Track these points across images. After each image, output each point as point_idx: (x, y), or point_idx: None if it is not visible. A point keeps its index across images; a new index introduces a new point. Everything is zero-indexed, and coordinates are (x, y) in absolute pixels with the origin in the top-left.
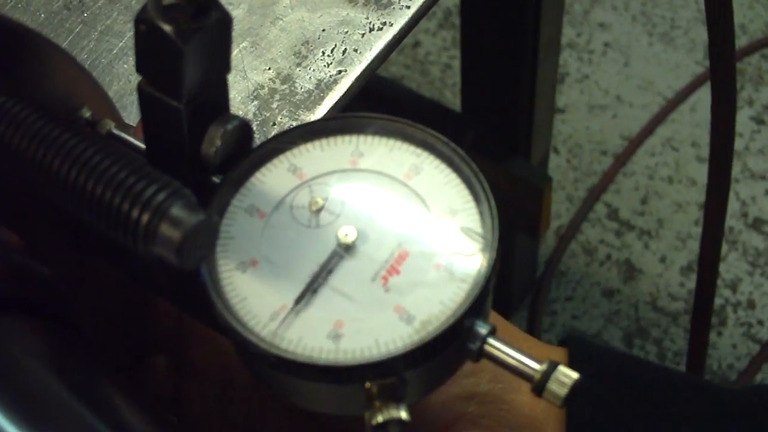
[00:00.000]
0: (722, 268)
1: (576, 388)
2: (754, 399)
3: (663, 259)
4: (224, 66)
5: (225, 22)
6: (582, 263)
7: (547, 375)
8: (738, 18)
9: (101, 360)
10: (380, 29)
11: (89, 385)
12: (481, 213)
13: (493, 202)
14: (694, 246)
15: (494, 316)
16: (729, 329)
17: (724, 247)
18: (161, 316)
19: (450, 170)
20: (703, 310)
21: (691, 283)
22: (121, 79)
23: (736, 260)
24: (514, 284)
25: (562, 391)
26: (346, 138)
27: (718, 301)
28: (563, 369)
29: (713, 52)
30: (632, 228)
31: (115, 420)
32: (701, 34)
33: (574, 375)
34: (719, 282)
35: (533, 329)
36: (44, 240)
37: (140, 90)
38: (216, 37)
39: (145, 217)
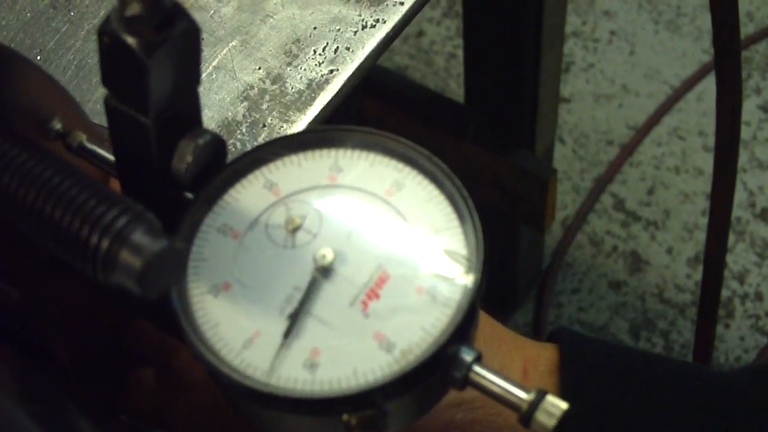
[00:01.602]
0: (730, 259)
1: (565, 418)
2: (745, 383)
3: (670, 251)
4: (193, 78)
5: (192, 32)
6: (588, 255)
7: (534, 405)
8: (744, 5)
9: (71, 383)
10: (373, 27)
11: (53, 415)
12: (465, 233)
13: (478, 221)
14: (701, 237)
15: (482, 317)
16: (736, 321)
17: (732, 238)
18: (145, 327)
19: (433, 186)
20: (710, 301)
21: (698, 274)
22: None
23: (743, 251)
24: (519, 277)
25: (550, 422)
26: (325, 152)
27: (725, 293)
28: (551, 399)
29: (718, 41)
30: (639, 219)
31: None
32: (707, 21)
33: (563, 405)
34: (726, 273)
35: (539, 321)
36: (22, 255)
37: (107, 104)
38: (183, 48)
39: (105, 243)
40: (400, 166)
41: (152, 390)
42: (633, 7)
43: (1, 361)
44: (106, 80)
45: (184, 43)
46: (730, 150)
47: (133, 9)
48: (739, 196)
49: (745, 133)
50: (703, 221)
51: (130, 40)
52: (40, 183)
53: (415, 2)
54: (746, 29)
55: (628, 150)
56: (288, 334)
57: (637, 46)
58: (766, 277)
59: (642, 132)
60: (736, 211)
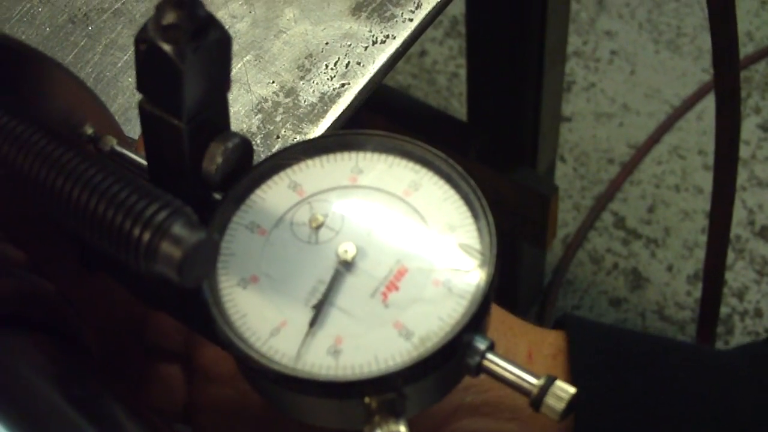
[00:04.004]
0: (729, 276)
1: (573, 402)
2: (744, 364)
3: (670, 268)
4: (224, 84)
5: (224, 41)
6: (589, 272)
7: (544, 390)
8: (744, 25)
9: (103, 374)
10: (383, 42)
11: (91, 400)
12: (479, 229)
13: (491, 219)
14: (701, 254)
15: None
16: (736, 338)
17: (731, 256)
18: (171, 324)
19: (449, 186)
20: (709, 318)
21: (698, 291)
22: (125, 93)
23: (743, 268)
24: (521, 293)
25: (560, 406)
26: (346, 155)
27: (725, 310)
28: (560, 384)
29: (717, 60)
30: (639, 236)
31: None
32: (707, 41)
33: (571, 390)
34: (726, 290)
35: None
36: (49, 256)
37: (141, 108)
38: (215, 55)
39: (146, 236)
40: (417, 167)
41: (177, 386)
42: (634, 28)
43: (39, 350)
44: (142, 85)
45: (216, 51)
46: (729, 168)
47: (170, 18)
48: (739, 214)
49: (744, 151)
50: (703, 239)
51: (166, 47)
52: (84, 180)
53: (424, 18)
54: (746, 49)
55: (628, 168)
56: (313, 323)
57: (638, 66)
58: (765, 294)
59: (642, 151)
60: (736, 229)
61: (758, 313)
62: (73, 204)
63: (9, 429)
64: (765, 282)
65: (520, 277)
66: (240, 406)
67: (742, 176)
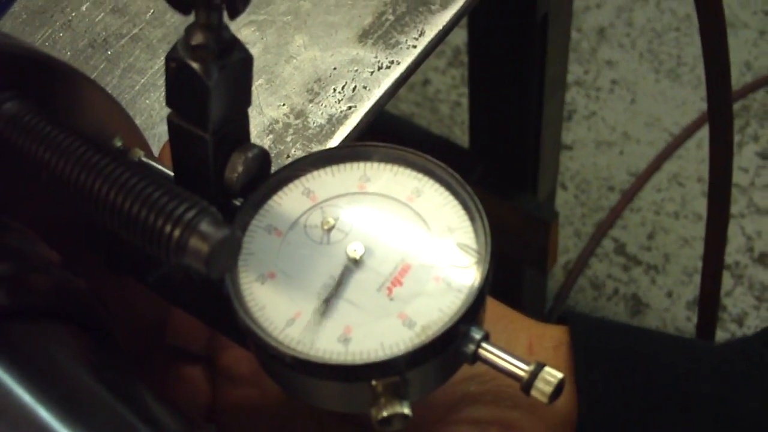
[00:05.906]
0: (729, 302)
1: (561, 386)
2: (740, 355)
3: (670, 294)
4: (246, 100)
5: (246, 60)
6: (590, 298)
7: (534, 375)
8: (743, 55)
9: (131, 363)
10: (388, 67)
11: (122, 384)
12: (475, 230)
13: (486, 221)
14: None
15: (492, 302)
16: None
17: (731, 282)
18: (195, 324)
19: (448, 193)
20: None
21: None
22: (143, 114)
23: (742, 294)
24: None
25: (548, 389)
26: (355, 164)
27: (724, 335)
28: (549, 369)
29: (710, 89)
30: (639, 263)
31: (147, 414)
32: None
33: (559, 375)
34: (726, 316)
35: None
36: (78, 259)
37: (170, 121)
38: (238, 74)
39: (177, 232)
40: (420, 176)
41: (200, 387)
42: (634, 57)
43: (75, 340)
44: (171, 100)
45: (239, 70)
46: (723, 194)
47: (198, 39)
48: (738, 241)
49: (743, 179)
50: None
51: (195, 65)
52: (121, 184)
53: (427, 45)
54: (744, 78)
55: (628, 196)
56: (324, 314)
57: (638, 95)
58: (764, 320)
59: (642, 178)
60: (735, 256)
61: None
62: (110, 204)
63: (51, 410)
64: (764, 308)
65: (522, 303)
66: (262, 406)
67: (741, 203)
